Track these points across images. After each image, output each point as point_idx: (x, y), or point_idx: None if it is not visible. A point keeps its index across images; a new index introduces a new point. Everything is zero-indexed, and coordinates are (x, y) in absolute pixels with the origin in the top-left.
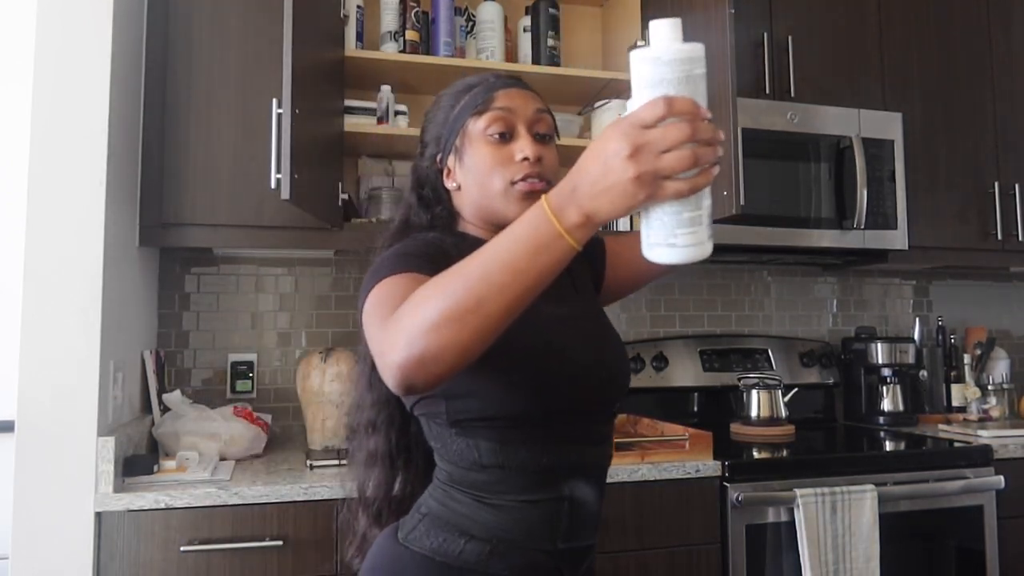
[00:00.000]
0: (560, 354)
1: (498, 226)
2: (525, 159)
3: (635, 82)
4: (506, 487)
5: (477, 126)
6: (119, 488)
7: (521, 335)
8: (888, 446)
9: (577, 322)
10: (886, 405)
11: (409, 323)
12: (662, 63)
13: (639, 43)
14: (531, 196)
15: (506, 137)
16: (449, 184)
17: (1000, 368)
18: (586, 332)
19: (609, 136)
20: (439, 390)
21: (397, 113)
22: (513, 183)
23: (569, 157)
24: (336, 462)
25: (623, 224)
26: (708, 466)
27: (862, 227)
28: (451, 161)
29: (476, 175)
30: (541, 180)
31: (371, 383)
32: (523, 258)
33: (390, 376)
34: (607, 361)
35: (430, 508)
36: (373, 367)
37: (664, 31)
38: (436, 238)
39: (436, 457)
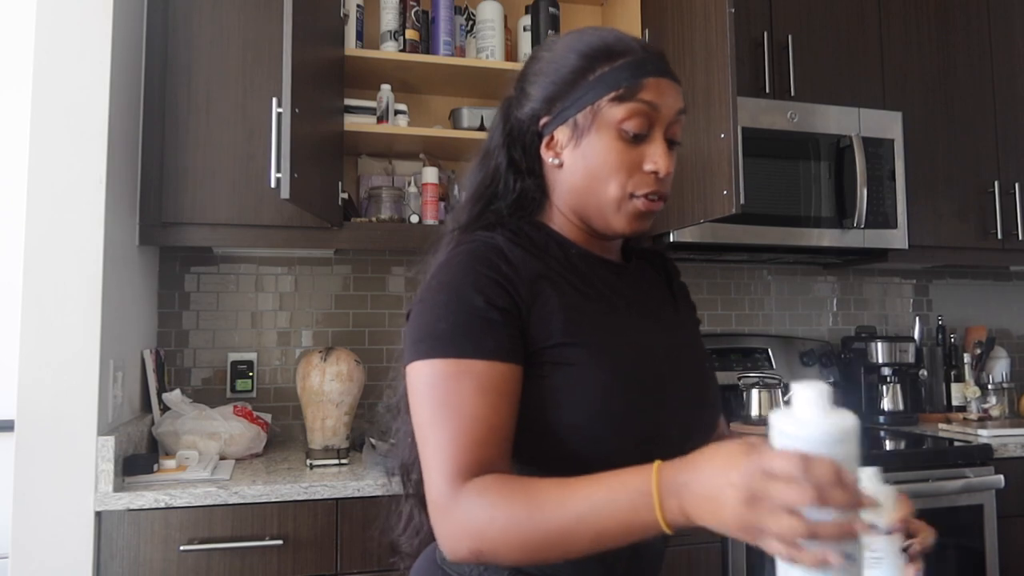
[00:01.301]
0: (659, 419)
1: (592, 229)
2: (655, 173)
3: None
4: None
5: (613, 113)
6: (119, 487)
7: (624, 393)
8: (888, 445)
9: (680, 374)
10: (886, 404)
11: (478, 527)
12: (804, 441)
13: (784, 400)
14: (646, 217)
15: (640, 138)
16: (548, 156)
17: (1000, 367)
18: (690, 383)
19: (735, 465)
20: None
21: (397, 112)
22: (632, 196)
23: None
24: (336, 461)
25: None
26: None
27: (862, 226)
28: (562, 134)
29: (592, 166)
30: (660, 200)
31: None
32: (613, 531)
33: (442, 544)
34: (706, 408)
35: None
36: None
37: (809, 403)
38: (504, 244)
39: None
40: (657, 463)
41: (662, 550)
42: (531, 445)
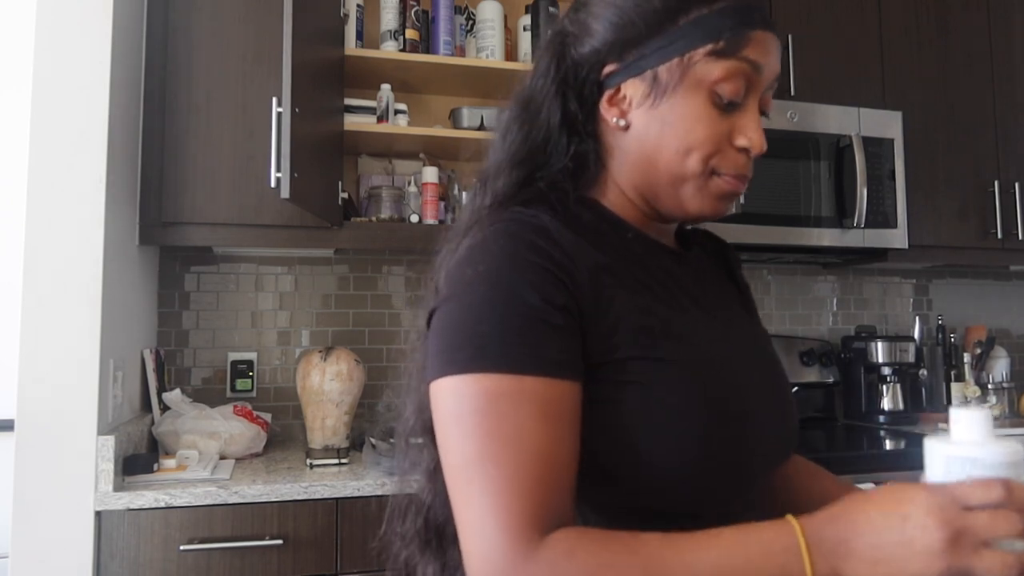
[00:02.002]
0: (741, 442)
1: (656, 210)
2: (746, 151)
3: (936, 470)
4: None
5: (708, 71)
6: (119, 487)
7: (706, 415)
8: (888, 445)
9: (760, 386)
10: (886, 404)
11: None
12: (987, 466)
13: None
14: (730, 198)
15: (732, 106)
16: (611, 114)
17: (1000, 367)
18: (773, 398)
19: (916, 503)
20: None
21: (397, 112)
22: (716, 173)
23: None
24: (336, 461)
25: None
26: None
27: (862, 226)
28: (634, 88)
29: (670, 134)
30: (745, 180)
31: None
32: None
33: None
34: (790, 428)
35: None
36: None
37: (979, 425)
38: (551, 225)
39: None
40: (789, 517)
41: None
42: (585, 479)
